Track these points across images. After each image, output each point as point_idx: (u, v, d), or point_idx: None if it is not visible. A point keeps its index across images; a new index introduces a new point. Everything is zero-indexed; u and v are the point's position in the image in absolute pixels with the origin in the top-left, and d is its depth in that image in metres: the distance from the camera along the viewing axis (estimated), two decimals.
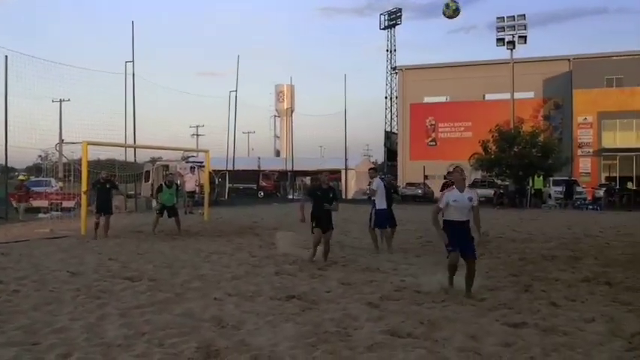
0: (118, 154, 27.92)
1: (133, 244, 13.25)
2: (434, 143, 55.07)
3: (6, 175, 25.02)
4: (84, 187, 15.96)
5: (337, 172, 45.29)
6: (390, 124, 63.84)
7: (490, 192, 35.92)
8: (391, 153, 61.17)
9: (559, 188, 34.79)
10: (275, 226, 17.80)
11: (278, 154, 64.29)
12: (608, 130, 46.62)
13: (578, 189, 35.69)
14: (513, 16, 47.00)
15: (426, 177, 44.80)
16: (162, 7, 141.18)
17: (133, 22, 27.99)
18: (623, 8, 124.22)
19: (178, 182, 21.09)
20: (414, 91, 56.22)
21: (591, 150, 46.85)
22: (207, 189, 22.51)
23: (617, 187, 38.35)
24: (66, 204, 22.24)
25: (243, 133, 62.82)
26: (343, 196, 41.72)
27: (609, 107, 45.37)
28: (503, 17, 47.09)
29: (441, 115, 54.86)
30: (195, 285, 8.25)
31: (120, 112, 27.11)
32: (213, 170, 31.22)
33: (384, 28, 65.16)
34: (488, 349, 5.24)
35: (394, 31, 64.79)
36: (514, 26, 46.60)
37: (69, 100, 33.86)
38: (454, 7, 10.31)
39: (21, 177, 25.08)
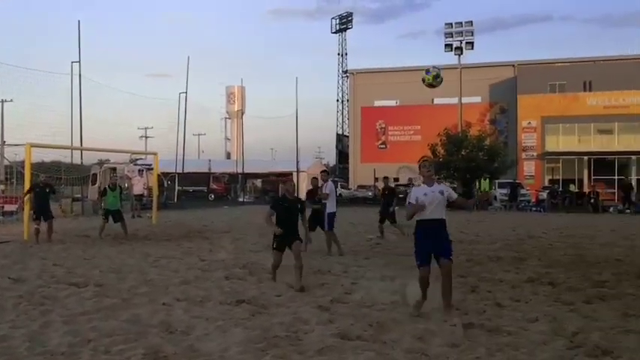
0: (63, 157, 27.16)
1: (79, 248, 12.91)
2: (384, 146, 55.76)
3: None
4: (26, 191, 15.51)
5: (288, 174, 45.28)
6: (342, 126, 64.40)
7: None
8: (343, 155, 61.61)
9: (504, 191, 35.54)
10: (225, 230, 17.67)
11: (229, 156, 63.76)
12: (551, 135, 48.14)
13: (523, 191, 36.62)
14: (461, 23, 47.97)
15: (376, 179, 45.23)
16: (110, 8, 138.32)
17: (79, 21, 27.57)
18: (568, 16, 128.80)
19: (125, 185, 20.68)
20: (365, 94, 56.83)
21: (535, 153, 48.29)
22: (155, 192, 22.18)
23: (560, 189, 39.49)
24: (8, 207, 21.56)
25: (194, 135, 62.00)
26: None
27: (552, 112, 46.89)
28: (452, 23, 47.98)
29: (391, 119, 55.61)
30: (143, 290, 8.09)
31: (66, 113, 26.52)
32: (163, 173, 30.76)
33: (335, 32, 65.72)
34: (435, 349, 5.32)
35: (345, 35, 65.38)
36: (462, 32, 47.54)
37: (11, 100, 32.83)
38: (435, 74, 9.98)
39: None
